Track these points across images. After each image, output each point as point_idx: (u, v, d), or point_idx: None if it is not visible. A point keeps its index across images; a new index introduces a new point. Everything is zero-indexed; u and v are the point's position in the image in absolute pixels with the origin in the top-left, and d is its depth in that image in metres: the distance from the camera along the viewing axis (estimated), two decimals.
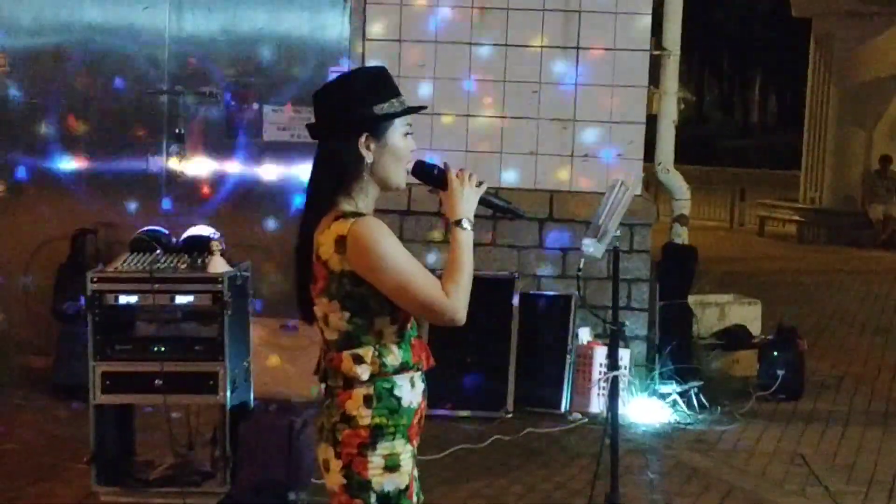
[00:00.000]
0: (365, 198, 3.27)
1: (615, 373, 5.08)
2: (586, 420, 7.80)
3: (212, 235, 6.03)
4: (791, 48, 30.23)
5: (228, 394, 5.82)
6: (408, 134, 3.30)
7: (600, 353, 7.85)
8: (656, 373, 8.17)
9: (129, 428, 6.26)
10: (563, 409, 7.90)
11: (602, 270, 8.16)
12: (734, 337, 9.13)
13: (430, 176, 3.31)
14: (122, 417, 6.17)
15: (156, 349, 5.78)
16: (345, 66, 8.35)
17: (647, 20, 8.33)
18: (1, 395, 7.89)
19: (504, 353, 7.96)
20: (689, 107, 49.44)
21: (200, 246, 6.02)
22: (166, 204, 8.51)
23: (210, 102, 8.51)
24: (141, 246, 6.13)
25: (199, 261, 5.90)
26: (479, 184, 3.31)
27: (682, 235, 8.80)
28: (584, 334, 8.07)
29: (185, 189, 8.56)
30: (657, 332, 8.36)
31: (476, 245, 3.30)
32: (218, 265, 5.83)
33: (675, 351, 8.23)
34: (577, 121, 8.39)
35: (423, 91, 8.35)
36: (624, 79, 8.33)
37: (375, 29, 8.42)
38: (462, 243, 3.23)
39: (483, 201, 3.33)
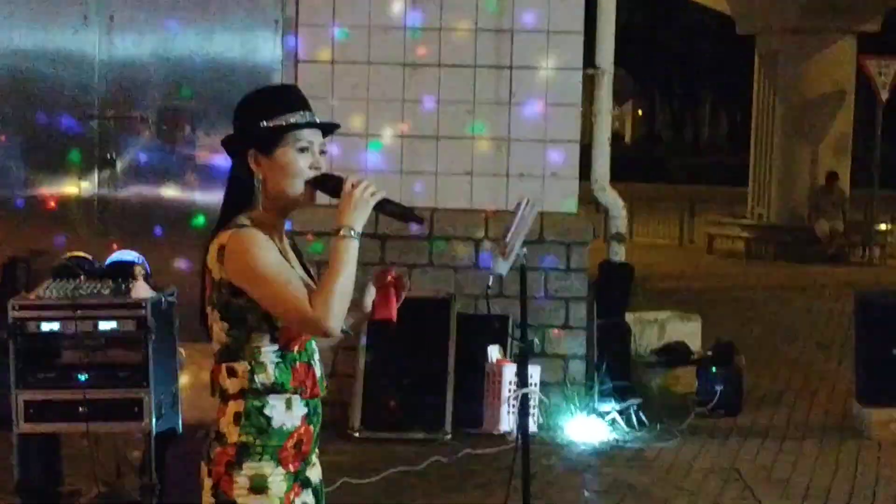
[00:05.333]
0: (261, 212, 3.23)
1: (525, 390, 5.05)
2: None
3: (135, 260, 5.96)
4: (739, 66, 30.44)
5: (154, 420, 5.74)
6: (305, 149, 3.22)
7: (509, 371, 7.72)
8: (595, 391, 8.15)
9: (56, 457, 6.15)
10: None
11: (540, 289, 8.19)
12: (673, 353, 9.15)
13: (327, 186, 3.23)
14: (47, 447, 6.05)
15: (79, 376, 5.70)
16: None
17: (579, 38, 8.35)
18: None
19: (442, 374, 7.91)
20: (641, 125, 49.87)
21: (124, 271, 5.94)
22: (99, 230, 8.42)
23: (142, 126, 8.44)
24: (64, 272, 6.05)
25: (123, 286, 5.83)
26: (373, 194, 3.16)
27: (619, 253, 8.79)
28: (494, 352, 7.98)
29: (117, 214, 8.47)
30: (595, 350, 8.35)
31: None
32: (141, 290, 5.75)
33: (613, 368, 8.23)
34: (512, 140, 8.39)
35: (358, 113, 8.33)
36: (557, 97, 8.34)
37: (308, 51, 8.39)
38: (338, 252, 3.09)
39: (378, 209, 3.19)
